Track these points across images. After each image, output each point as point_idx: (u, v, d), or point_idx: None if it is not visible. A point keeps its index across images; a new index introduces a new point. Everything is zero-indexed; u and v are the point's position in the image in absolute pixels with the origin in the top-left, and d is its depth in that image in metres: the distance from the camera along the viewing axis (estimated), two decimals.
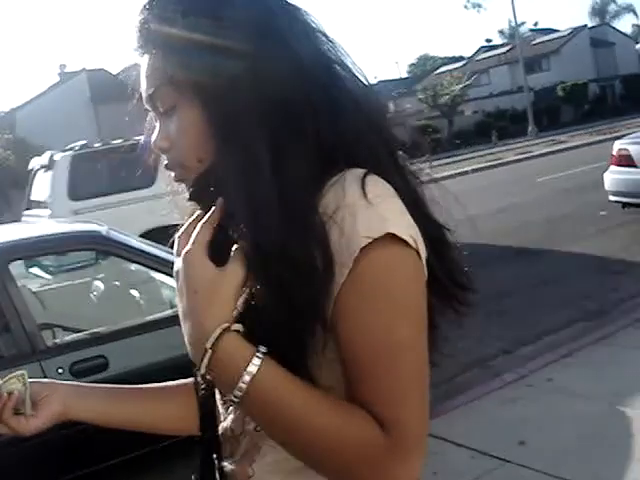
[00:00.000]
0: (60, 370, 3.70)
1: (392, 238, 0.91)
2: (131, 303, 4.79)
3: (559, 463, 3.45)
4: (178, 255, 0.99)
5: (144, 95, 1.05)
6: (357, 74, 1.05)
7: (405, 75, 71.33)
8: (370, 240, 0.90)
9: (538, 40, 54.77)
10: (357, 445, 0.92)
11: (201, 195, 1.03)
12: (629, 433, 3.71)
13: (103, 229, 4.47)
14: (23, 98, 71.68)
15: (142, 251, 4.25)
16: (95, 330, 4.04)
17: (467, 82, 41.72)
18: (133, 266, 4.63)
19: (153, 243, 4.65)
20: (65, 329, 4.34)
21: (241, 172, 0.94)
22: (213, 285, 0.94)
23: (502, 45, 60.85)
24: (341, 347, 0.94)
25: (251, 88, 0.95)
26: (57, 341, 4.04)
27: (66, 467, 3.76)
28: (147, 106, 1.07)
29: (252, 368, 0.90)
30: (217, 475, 1.13)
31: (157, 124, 1.06)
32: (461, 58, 66.99)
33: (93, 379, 3.72)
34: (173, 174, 1.07)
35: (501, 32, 68.82)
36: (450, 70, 50.27)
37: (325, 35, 1.04)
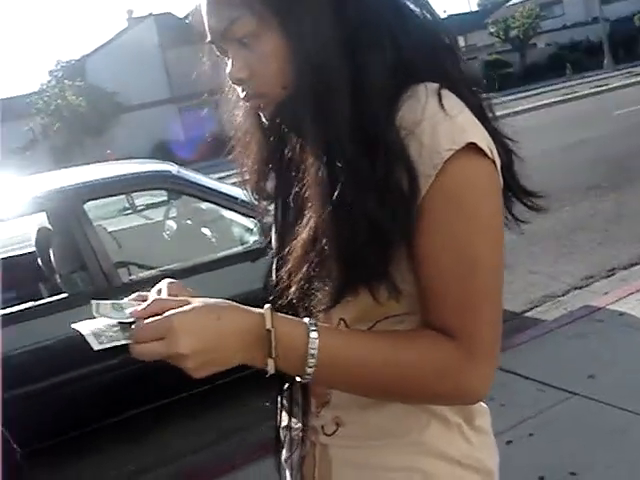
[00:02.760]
0: None
1: (471, 148, 0.93)
2: (203, 240, 4.89)
3: (628, 397, 3.42)
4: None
5: (214, 28, 1.02)
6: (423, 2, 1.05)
7: (475, 8, 69.05)
8: (452, 152, 0.92)
9: None
10: (434, 367, 0.97)
11: (281, 120, 1.04)
12: None
13: (174, 169, 4.56)
14: (92, 45, 72.61)
15: (213, 189, 4.33)
16: (168, 267, 4.17)
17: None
18: (204, 204, 4.72)
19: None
20: (140, 267, 4.49)
21: (322, 94, 0.96)
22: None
23: None
24: (418, 259, 0.97)
25: (333, 11, 0.97)
26: (132, 278, 4.18)
27: (143, 397, 3.96)
28: (216, 39, 1.04)
29: (313, 338, 0.94)
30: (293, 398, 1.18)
31: (230, 56, 1.04)
32: None
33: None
34: (249, 104, 1.08)
35: None
36: (522, 2, 48.49)
37: None
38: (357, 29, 0.97)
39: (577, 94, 23.29)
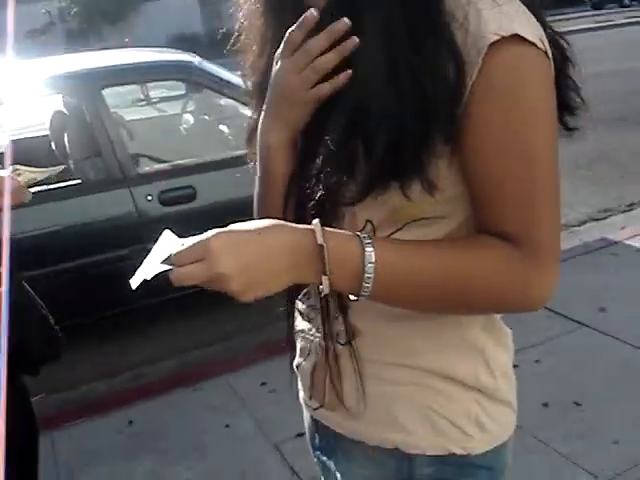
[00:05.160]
0: (149, 197, 3.78)
1: (520, 39, 0.85)
2: (220, 137, 4.79)
3: (639, 333, 3.41)
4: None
5: None
6: None
7: None
8: (498, 37, 0.84)
9: None
10: (499, 275, 0.91)
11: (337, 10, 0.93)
12: None
13: (195, 60, 4.42)
14: None
15: (234, 84, 4.20)
16: (184, 161, 4.09)
17: None
18: (223, 100, 4.59)
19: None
20: (153, 159, 4.41)
21: None
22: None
23: None
24: (469, 159, 0.90)
25: None
26: (147, 169, 4.10)
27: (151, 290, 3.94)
28: None
29: (369, 252, 0.87)
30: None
31: None
32: None
33: (181, 208, 3.81)
34: None
35: None
36: None
37: None
38: None
39: (610, 23, 22.63)
